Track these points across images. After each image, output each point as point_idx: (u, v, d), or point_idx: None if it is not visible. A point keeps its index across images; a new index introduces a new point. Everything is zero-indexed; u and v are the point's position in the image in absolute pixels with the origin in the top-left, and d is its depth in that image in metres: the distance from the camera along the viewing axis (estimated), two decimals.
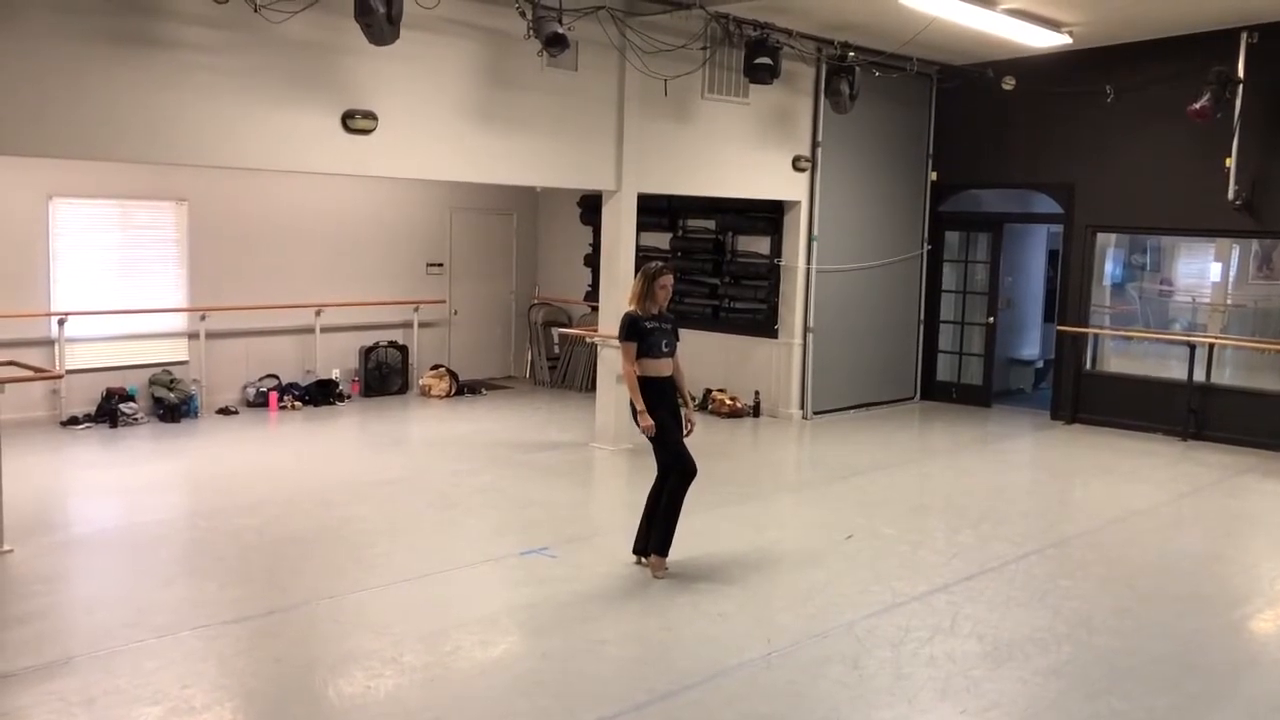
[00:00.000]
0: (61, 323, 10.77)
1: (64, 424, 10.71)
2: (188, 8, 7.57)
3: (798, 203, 12.28)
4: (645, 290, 6.78)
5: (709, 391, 12.76)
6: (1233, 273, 12.36)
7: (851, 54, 11.17)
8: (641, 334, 6.71)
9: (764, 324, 12.67)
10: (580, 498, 9.16)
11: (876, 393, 13.40)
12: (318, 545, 7.27)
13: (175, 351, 11.65)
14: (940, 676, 5.41)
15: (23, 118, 7.06)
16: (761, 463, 10.99)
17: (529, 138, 9.71)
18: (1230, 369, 12.22)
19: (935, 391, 14.00)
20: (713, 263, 13.11)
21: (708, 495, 8.86)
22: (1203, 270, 12.84)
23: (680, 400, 6.93)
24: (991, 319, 13.69)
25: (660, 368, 6.77)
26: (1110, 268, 13.27)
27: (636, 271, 7.17)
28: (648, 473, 7.13)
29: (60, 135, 7.30)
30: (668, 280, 6.83)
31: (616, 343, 7.11)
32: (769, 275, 12.60)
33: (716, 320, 13.10)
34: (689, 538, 7.47)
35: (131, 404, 10.96)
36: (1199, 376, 11.84)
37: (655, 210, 12.60)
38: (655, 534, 6.80)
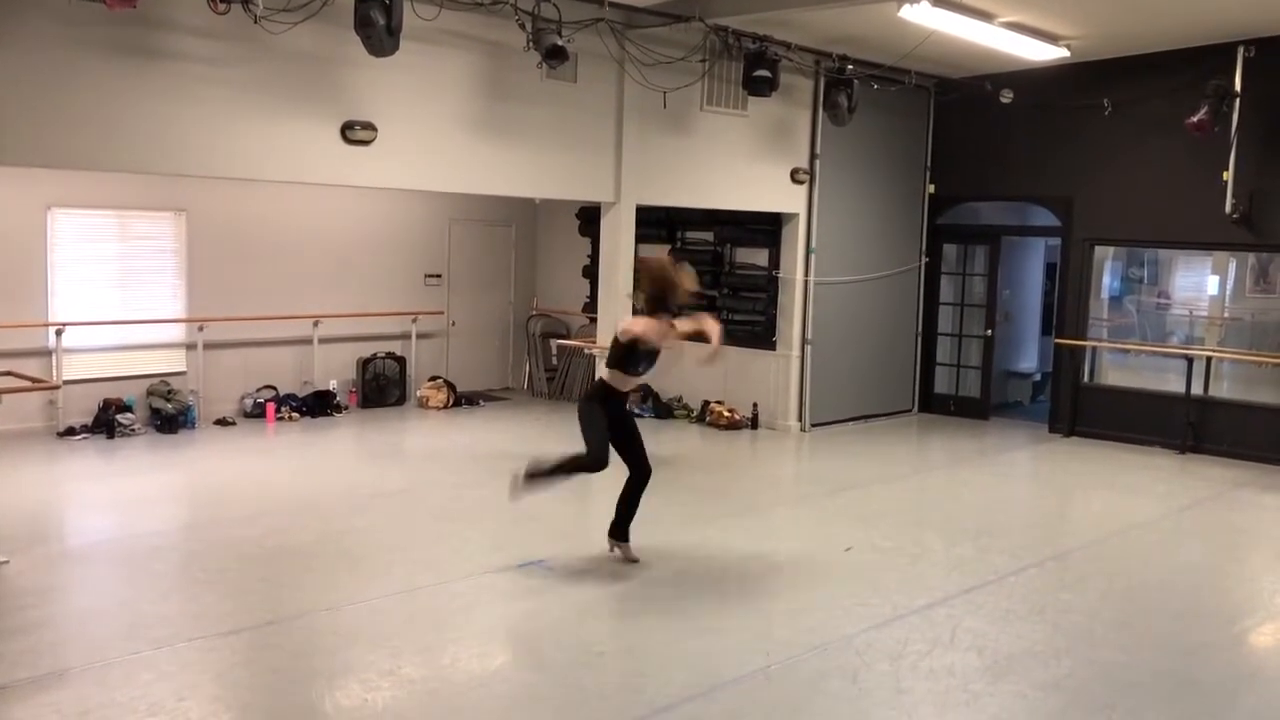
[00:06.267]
0: (59, 333, 10.75)
1: (61, 435, 10.68)
2: (187, 19, 7.59)
3: (796, 215, 12.30)
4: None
5: (707, 403, 12.76)
6: (1230, 286, 12.38)
7: (850, 67, 11.20)
8: (638, 356, 6.86)
9: (762, 336, 12.67)
10: (577, 509, 9.12)
11: (874, 405, 13.40)
12: (315, 557, 7.24)
13: (173, 362, 11.63)
14: (940, 690, 5.39)
15: (22, 128, 7.07)
16: (759, 475, 10.97)
17: (528, 149, 9.72)
18: (1228, 382, 12.23)
19: (933, 404, 14.00)
20: (711, 274, 13.10)
21: (706, 507, 8.88)
22: (1200, 283, 12.87)
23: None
24: (989, 331, 13.70)
25: (628, 383, 6.99)
26: (1108, 281, 13.28)
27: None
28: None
29: (59, 145, 7.31)
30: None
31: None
32: (767, 287, 12.60)
33: None
34: (687, 551, 7.49)
35: (129, 415, 10.93)
36: (1197, 390, 11.84)
37: (654, 222, 12.60)
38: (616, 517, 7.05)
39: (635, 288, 7.15)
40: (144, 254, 11.45)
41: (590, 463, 6.89)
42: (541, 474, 7.01)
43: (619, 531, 7.22)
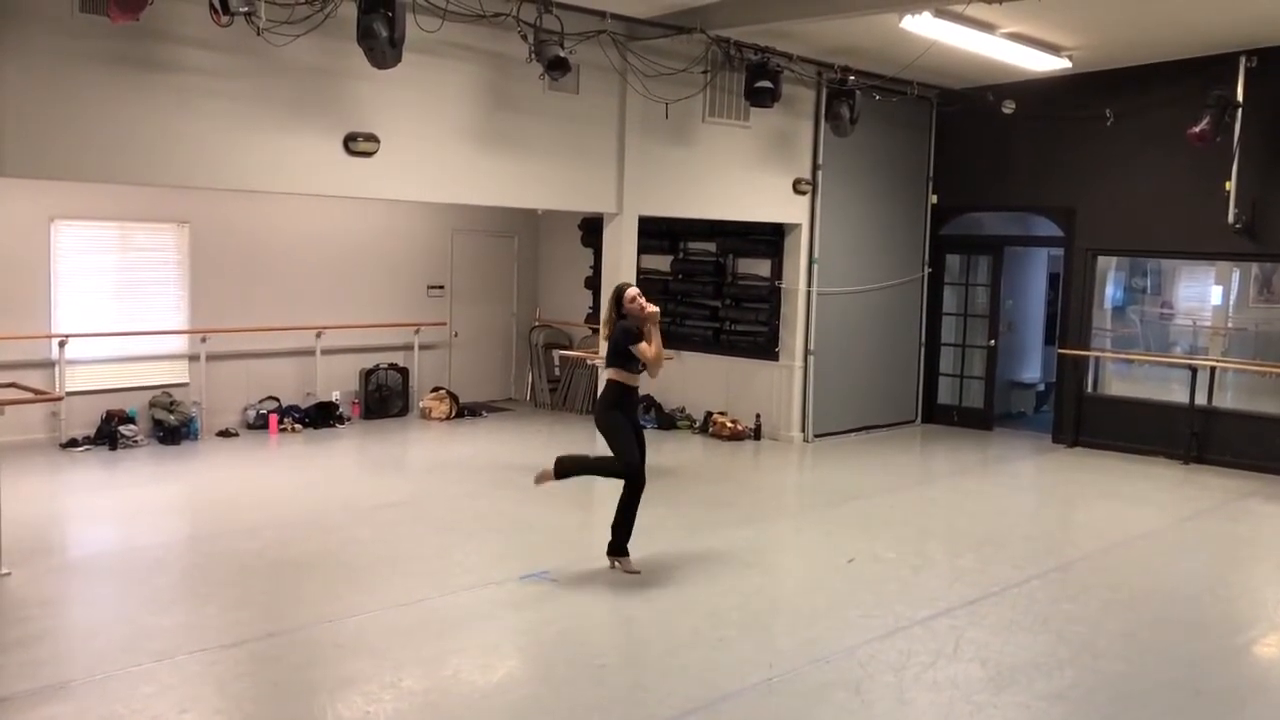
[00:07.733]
0: (62, 345, 10.77)
1: (64, 446, 10.68)
2: (190, 31, 7.61)
3: (798, 225, 12.30)
4: (615, 311, 7.22)
5: (710, 414, 12.75)
6: (1233, 296, 12.36)
7: (852, 78, 11.22)
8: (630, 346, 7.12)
9: (765, 346, 12.66)
10: (580, 521, 9.12)
11: (877, 415, 13.38)
12: (317, 569, 7.24)
13: (175, 374, 11.64)
14: (943, 702, 5.37)
15: (26, 140, 7.09)
16: (762, 486, 10.96)
17: (530, 160, 9.73)
18: (1231, 392, 12.21)
19: (936, 414, 13.98)
20: (713, 285, 13.12)
21: (709, 519, 8.87)
22: (1203, 293, 12.85)
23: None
24: (993, 342, 13.69)
25: (634, 379, 7.23)
26: (1111, 291, 13.28)
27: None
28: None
29: (63, 158, 7.33)
30: (632, 292, 7.22)
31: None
32: (770, 298, 12.59)
33: (717, 343, 13.09)
34: (689, 562, 7.47)
35: (131, 426, 10.94)
36: (1200, 400, 11.82)
37: (656, 233, 12.61)
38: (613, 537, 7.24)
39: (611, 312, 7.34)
40: (146, 265, 11.47)
41: (623, 469, 7.09)
42: (573, 468, 7.29)
43: (617, 549, 7.25)
